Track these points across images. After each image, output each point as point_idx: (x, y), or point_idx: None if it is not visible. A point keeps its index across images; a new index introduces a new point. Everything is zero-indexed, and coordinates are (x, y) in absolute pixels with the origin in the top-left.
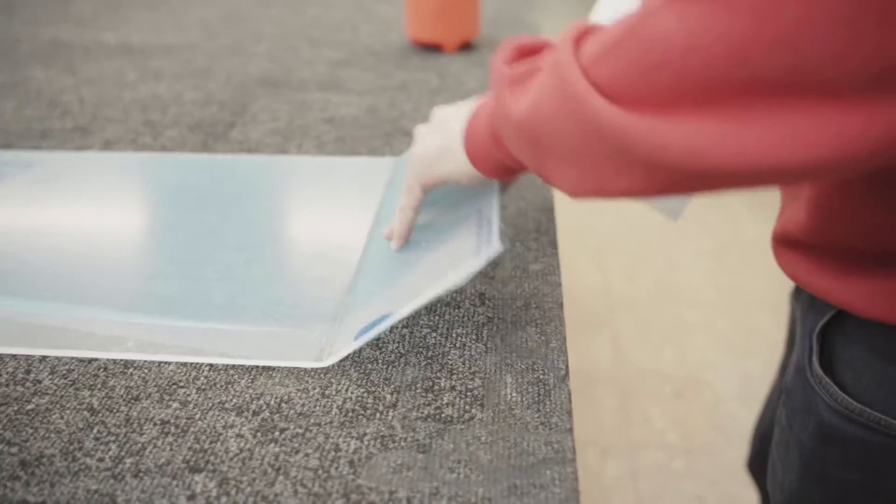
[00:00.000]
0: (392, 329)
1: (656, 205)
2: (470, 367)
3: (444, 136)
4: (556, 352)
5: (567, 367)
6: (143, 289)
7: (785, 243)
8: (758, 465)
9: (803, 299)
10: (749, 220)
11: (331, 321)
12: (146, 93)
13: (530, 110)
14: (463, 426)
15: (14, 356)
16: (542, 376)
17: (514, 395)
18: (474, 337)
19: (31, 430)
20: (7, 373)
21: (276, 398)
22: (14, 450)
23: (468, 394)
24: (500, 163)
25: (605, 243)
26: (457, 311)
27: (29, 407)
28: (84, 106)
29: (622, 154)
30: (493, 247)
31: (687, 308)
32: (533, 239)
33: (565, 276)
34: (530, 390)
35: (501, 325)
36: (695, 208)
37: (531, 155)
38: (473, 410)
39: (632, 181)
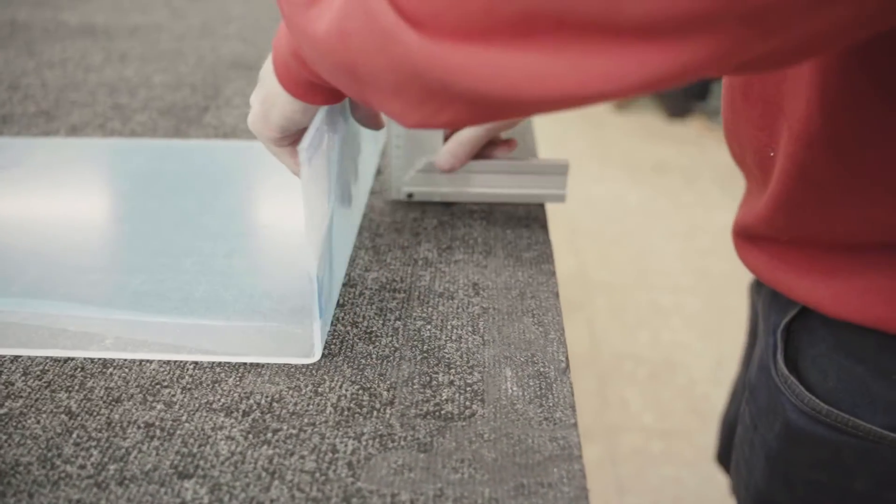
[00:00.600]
0: (384, 322)
1: (539, 198)
2: (468, 361)
3: (263, 87)
4: (555, 343)
5: (567, 359)
6: (119, 282)
7: (746, 238)
8: (726, 456)
9: (765, 294)
10: (721, 202)
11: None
12: (113, 75)
13: (335, 36)
14: (464, 423)
15: None
16: (542, 369)
17: (514, 389)
18: (470, 329)
19: (4, 437)
20: None
21: (267, 397)
22: None
23: (468, 389)
24: (312, 84)
25: (578, 227)
26: (451, 301)
27: (1, 412)
28: (47, 89)
29: (442, 91)
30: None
31: (661, 291)
32: (524, 226)
33: None
34: (531, 384)
35: (497, 316)
36: (667, 191)
37: (349, 84)
38: (474, 406)
39: (454, 113)
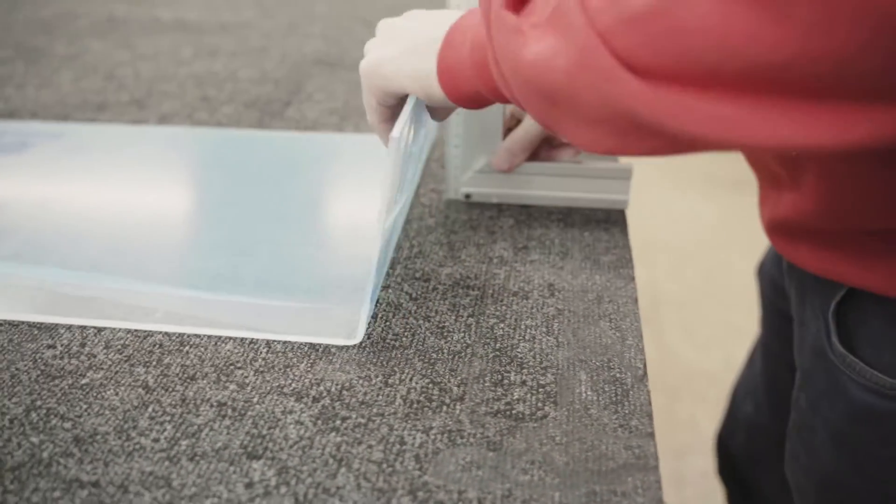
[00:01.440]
0: (457, 318)
1: (601, 203)
2: (541, 362)
3: (404, 42)
4: (632, 350)
5: (645, 366)
6: (197, 264)
7: (785, 232)
8: (733, 464)
9: (804, 278)
10: None
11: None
12: (202, 69)
13: (541, 64)
14: (535, 424)
15: (69, 327)
16: (618, 375)
17: (589, 393)
18: (544, 330)
19: (85, 406)
20: (62, 345)
21: (337, 385)
22: (68, 425)
23: (540, 390)
24: (477, 94)
25: (651, 239)
26: (525, 301)
27: (83, 381)
28: (140, 80)
29: (650, 128)
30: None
31: (735, 310)
32: (603, 229)
33: None
34: (607, 389)
35: (573, 318)
36: (742, 208)
37: (543, 109)
38: (546, 408)
39: (654, 146)
